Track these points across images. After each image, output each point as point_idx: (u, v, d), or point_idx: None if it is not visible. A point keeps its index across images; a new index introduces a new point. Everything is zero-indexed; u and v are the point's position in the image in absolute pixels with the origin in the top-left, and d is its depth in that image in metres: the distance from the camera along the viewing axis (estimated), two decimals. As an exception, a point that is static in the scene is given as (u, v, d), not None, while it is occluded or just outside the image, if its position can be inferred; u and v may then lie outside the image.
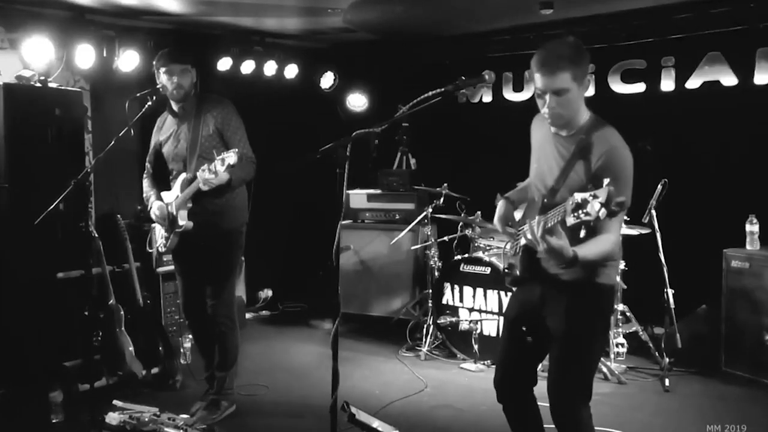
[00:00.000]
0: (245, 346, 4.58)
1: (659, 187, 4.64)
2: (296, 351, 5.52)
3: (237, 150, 3.60)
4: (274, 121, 6.22)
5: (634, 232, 4.67)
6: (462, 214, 5.48)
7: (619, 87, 5.70)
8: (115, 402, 4.02)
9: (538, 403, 2.94)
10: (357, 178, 5.06)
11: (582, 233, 2.30)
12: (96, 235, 4.60)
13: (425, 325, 5.42)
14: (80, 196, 3.68)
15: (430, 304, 5.40)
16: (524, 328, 2.83)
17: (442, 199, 5.55)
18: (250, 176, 4.01)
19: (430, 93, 2.69)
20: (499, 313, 5.00)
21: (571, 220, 2.25)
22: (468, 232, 5.46)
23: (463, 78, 2.73)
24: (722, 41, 5.16)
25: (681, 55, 5.40)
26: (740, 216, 4.86)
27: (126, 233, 4.87)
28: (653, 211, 4.67)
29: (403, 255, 5.92)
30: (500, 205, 2.94)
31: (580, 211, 2.21)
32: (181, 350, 5.04)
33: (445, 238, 5.67)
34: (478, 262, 5.14)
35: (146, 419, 3.76)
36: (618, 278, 4.74)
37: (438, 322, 5.27)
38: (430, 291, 5.44)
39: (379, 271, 6.02)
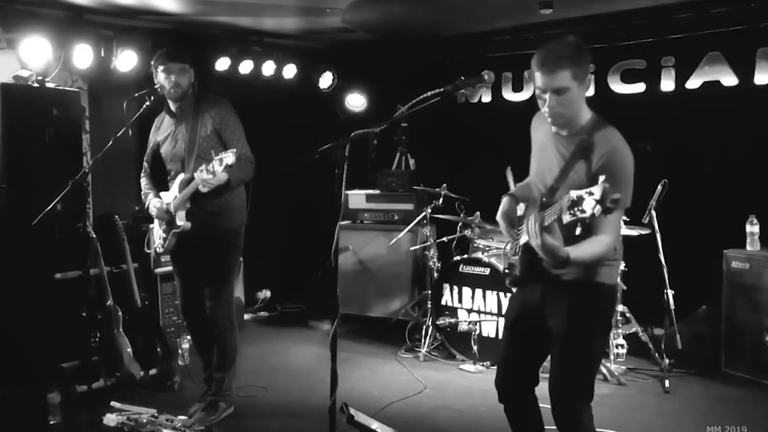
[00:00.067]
0: (244, 347, 4.57)
1: (659, 187, 4.63)
2: (295, 352, 5.51)
3: (235, 150, 3.59)
4: (273, 122, 6.21)
5: (634, 232, 4.65)
6: (461, 215, 5.47)
7: (618, 87, 5.69)
8: (113, 403, 4.02)
9: (540, 404, 2.92)
10: (356, 178, 5.00)
11: (578, 231, 2.30)
12: (94, 236, 4.60)
13: (424, 326, 5.41)
14: (78, 196, 3.68)
15: (429, 305, 5.39)
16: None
17: (441, 200, 5.53)
18: (248, 176, 4.00)
19: (429, 93, 2.69)
20: (499, 314, 4.99)
21: (567, 218, 2.27)
22: (467, 232, 5.45)
23: (463, 78, 2.73)
24: (722, 41, 5.16)
25: (681, 55, 5.39)
26: (740, 216, 4.85)
27: (124, 234, 4.86)
28: (653, 212, 4.66)
29: (402, 256, 5.91)
30: (504, 201, 2.93)
31: (576, 209, 2.22)
32: (180, 351, 5.02)
33: (444, 239, 5.67)
34: (477, 262, 5.12)
35: (144, 420, 3.76)
36: (618, 279, 4.73)
37: (437, 323, 5.25)
38: (429, 292, 5.43)
39: (378, 271, 6.00)
